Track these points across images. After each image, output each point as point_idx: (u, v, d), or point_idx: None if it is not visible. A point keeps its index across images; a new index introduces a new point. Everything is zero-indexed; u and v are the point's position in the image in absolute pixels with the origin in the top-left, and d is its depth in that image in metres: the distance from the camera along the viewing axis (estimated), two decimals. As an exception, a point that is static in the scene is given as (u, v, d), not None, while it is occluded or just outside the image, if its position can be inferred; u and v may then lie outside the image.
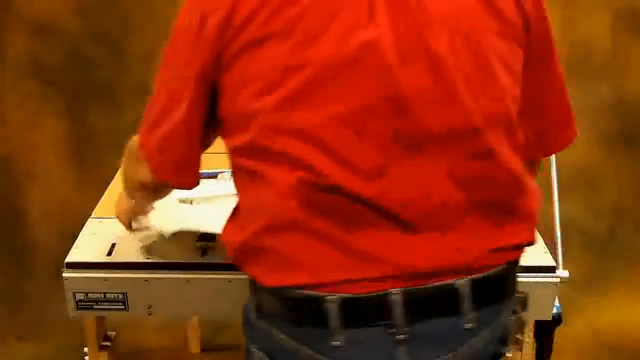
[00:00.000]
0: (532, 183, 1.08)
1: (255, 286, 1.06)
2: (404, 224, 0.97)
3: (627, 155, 2.98)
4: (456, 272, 0.98)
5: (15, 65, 2.88)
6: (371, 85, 0.93)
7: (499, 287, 1.03)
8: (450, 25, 0.93)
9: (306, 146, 0.95)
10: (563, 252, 1.48)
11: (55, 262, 1.58)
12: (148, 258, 1.47)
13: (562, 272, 1.42)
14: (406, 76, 0.93)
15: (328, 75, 0.93)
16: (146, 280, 1.45)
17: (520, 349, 1.51)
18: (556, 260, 1.44)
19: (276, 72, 0.94)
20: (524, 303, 1.13)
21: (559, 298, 1.43)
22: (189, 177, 1.10)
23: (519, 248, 1.05)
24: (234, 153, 1.04)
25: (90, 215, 1.66)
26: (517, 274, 1.09)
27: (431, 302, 0.98)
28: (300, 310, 1.00)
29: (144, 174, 1.12)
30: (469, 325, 1.00)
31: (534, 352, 1.50)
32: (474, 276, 0.99)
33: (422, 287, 0.97)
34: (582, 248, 2.93)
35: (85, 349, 1.57)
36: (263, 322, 1.06)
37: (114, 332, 1.61)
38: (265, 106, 0.95)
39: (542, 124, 1.11)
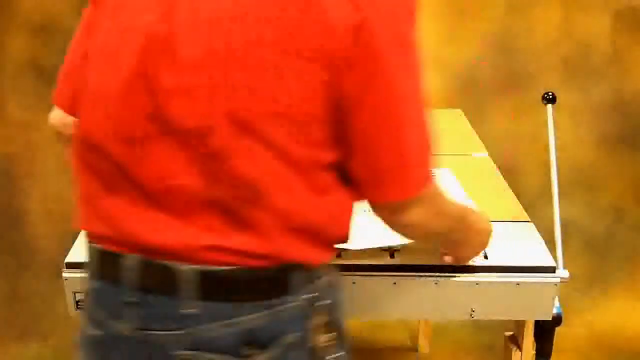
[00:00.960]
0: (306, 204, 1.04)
1: None
2: (150, 199, 1.04)
3: (627, 155, 2.98)
4: (182, 257, 1.02)
5: (16, 65, 2.88)
6: (137, 62, 1.01)
7: (228, 285, 1.03)
8: (216, 29, 0.98)
9: (87, 104, 1.09)
10: (563, 252, 1.48)
11: (55, 262, 1.58)
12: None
13: (562, 272, 1.42)
14: (164, 65, 1.00)
15: (111, 43, 1.05)
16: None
17: (521, 349, 1.51)
18: (556, 260, 1.45)
19: (89, 29, 1.12)
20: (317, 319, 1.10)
21: (559, 298, 1.43)
22: (74, 102, 1.17)
23: (249, 256, 1.03)
24: None
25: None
26: (266, 282, 1.05)
27: (156, 278, 1.04)
28: (86, 250, 1.15)
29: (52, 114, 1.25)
30: (188, 312, 1.03)
31: (534, 352, 1.50)
32: (199, 266, 1.02)
33: (151, 260, 1.04)
34: (582, 248, 2.93)
35: (85, 349, 1.57)
36: None
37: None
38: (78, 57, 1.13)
39: (369, 168, 1.05)
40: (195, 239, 1.02)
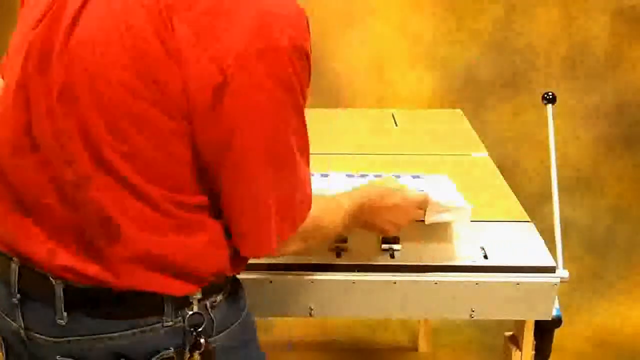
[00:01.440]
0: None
1: None
2: (25, 209, 1.06)
3: (627, 156, 2.98)
4: (48, 270, 1.04)
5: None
6: (18, 74, 1.04)
7: (91, 302, 1.04)
8: (87, 60, 0.99)
9: None
10: (563, 252, 1.48)
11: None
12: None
13: (562, 272, 1.42)
14: (34, 82, 1.02)
15: (12, 51, 1.08)
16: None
17: (521, 349, 1.51)
18: (556, 260, 1.45)
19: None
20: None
21: (558, 298, 1.43)
22: None
23: (103, 284, 1.03)
24: None
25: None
26: (131, 303, 1.04)
27: (33, 284, 1.06)
28: None
29: None
30: (61, 322, 1.05)
31: (534, 352, 1.50)
32: (61, 280, 1.04)
33: (28, 267, 1.06)
34: (582, 248, 2.93)
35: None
36: None
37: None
38: None
39: (230, 223, 1.06)
40: (55, 257, 1.04)
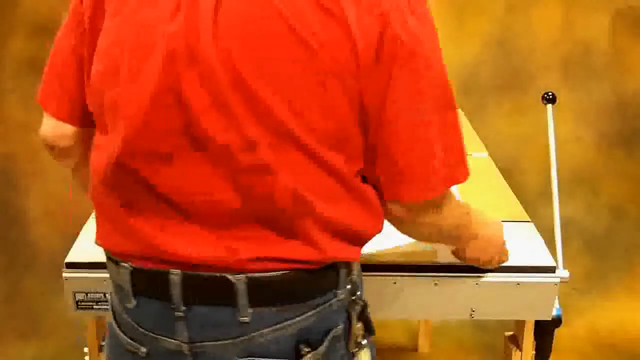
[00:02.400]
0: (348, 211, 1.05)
1: None
2: (185, 214, 1.02)
3: (627, 155, 2.98)
4: (228, 268, 1.02)
5: (15, 65, 2.88)
6: (161, 77, 0.98)
7: (278, 291, 1.03)
8: (243, 44, 0.96)
9: (106, 121, 1.04)
10: (563, 252, 1.48)
11: (55, 262, 1.58)
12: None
13: (562, 272, 1.42)
14: (187, 77, 0.97)
15: (133, 58, 1.00)
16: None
17: (521, 349, 1.51)
18: (556, 260, 1.45)
19: (100, 49, 1.04)
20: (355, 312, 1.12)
21: (558, 298, 1.43)
22: (72, 108, 1.13)
23: (299, 262, 1.03)
24: None
25: (90, 215, 1.66)
26: (315, 282, 1.06)
27: (207, 290, 1.03)
28: (111, 269, 1.11)
29: (43, 126, 1.16)
30: (244, 319, 1.03)
31: (534, 352, 1.50)
32: (249, 275, 1.02)
33: (199, 274, 1.03)
34: (582, 248, 2.93)
35: (86, 349, 1.57)
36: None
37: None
38: (91, 81, 1.06)
39: (392, 170, 1.05)
40: (236, 252, 1.01)
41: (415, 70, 1.00)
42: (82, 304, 1.47)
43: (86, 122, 1.12)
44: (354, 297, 1.11)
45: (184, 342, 1.05)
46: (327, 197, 1.02)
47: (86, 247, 1.52)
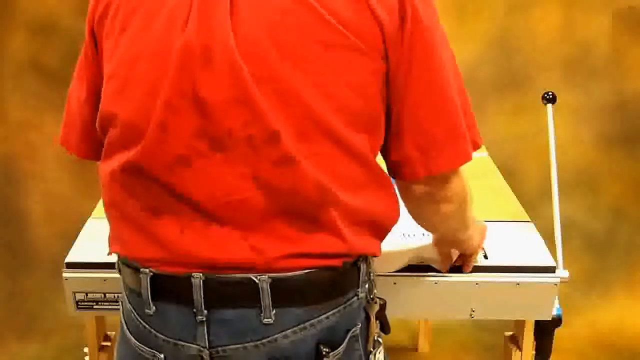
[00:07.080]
0: (372, 197, 1.05)
1: None
2: (207, 216, 1.02)
3: (627, 155, 2.98)
4: (253, 269, 1.01)
5: (16, 65, 2.88)
6: (174, 83, 0.99)
7: (302, 290, 1.03)
8: (264, 32, 0.97)
9: (122, 134, 1.04)
10: (563, 252, 1.48)
11: (55, 262, 1.58)
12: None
13: (562, 272, 1.42)
14: (203, 79, 0.98)
15: (142, 69, 1.01)
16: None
17: (521, 349, 1.51)
18: (556, 260, 1.45)
19: (109, 65, 1.05)
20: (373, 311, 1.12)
21: (558, 298, 1.43)
22: (93, 147, 1.15)
23: (326, 257, 1.02)
24: None
25: (90, 215, 1.66)
26: (339, 280, 1.06)
27: (230, 292, 1.02)
28: (128, 277, 1.10)
29: None
30: (268, 321, 1.02)
31: (534, 352, 1.50)
32: (273, 275, 1.01)
33: (221, 276, 1.02)
34: (582, 248, 2.93)
35: (85, 349, 1.57)
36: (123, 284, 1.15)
37: (114, 332, 1.61)
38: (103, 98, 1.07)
39: (421, 139, 1.05)
40: (263, 251, 1.01)
41: (432, 41, 1.03)
42: (82, 304, 1.47)
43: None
44: (371, 296, 1.11)
45: (205, 348, 1.04)
46: (351, 185, 1.02)
47: (86, 247, 1.52)
